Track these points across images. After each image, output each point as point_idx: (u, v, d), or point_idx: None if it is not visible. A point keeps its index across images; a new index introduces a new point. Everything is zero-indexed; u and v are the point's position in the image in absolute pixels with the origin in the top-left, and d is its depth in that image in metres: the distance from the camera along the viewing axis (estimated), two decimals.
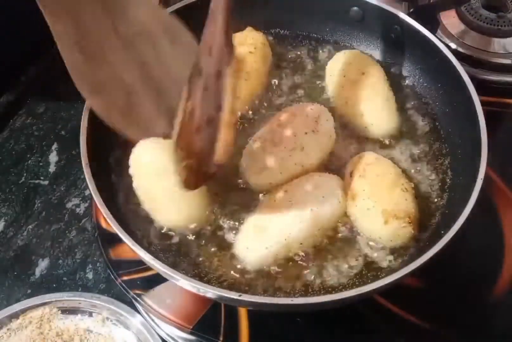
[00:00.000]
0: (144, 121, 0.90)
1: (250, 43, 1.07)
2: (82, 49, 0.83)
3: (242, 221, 0.92)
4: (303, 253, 0.89)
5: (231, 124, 0.81)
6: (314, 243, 0.90)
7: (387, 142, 1.01)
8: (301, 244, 0.88)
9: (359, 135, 1.02)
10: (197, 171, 0.84)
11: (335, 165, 0.98)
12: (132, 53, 0.87)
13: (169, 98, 0.90)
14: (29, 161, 1.23)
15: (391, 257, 0.90)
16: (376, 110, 1.01)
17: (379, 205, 0.89)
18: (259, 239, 0.88)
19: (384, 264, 0.90)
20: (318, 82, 1.10)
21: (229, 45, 0.82)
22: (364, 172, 0.92)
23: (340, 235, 0.92)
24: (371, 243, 0.91)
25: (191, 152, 0.84)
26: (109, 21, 0.83)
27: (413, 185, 0.95)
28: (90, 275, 1.09)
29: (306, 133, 0.94)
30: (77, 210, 1.17)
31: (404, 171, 0.96)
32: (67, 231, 1.14)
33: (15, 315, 1.01)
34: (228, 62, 0.82)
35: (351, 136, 1.02)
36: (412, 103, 1.06)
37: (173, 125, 0.86)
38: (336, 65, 1.06)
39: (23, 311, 1.01)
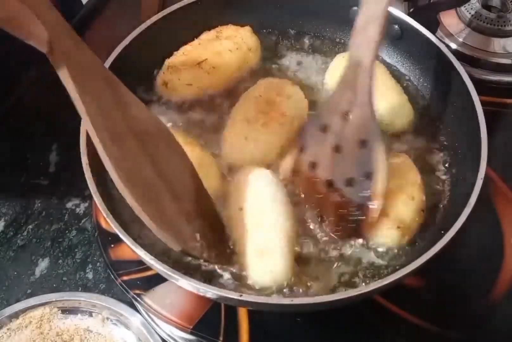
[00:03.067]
0: (172, 222, 0.84)
1: (236, 42, 1.06)
2: (110, 133, 0.77)
3: None
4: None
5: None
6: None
7: (387, 143, 1.01)
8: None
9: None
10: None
11: None
12: (142, 148, 0.81)
13: (184, 201, 0.86)
14: (29, 161, 1.23)
15: (391, 257, 0.90)
16: (394, 105, 1.01)
17: None
18: (267, 261, 0.85)
19: (385, 264, 0.90)
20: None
21: (374, 119, 0.85)
22: None
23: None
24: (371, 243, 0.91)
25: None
26: (120, 112, 0.79)
27: (423, 198, 0.93)
28: (90, 275, 1.09)
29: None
30: (77, 210, 1.17)
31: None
32: (67, 231, 1.14)
33: (15, 315, 1.01)
34: (378, 137, 0.86)
35: None
36: (412, 103, 1.06)
37: (194, 231, 0.85)
38: (337, 72, 1.03)
39: (23, 311, 1.01)
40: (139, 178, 0.80)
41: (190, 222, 0.85)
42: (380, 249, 0.91)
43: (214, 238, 0.88)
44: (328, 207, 0.90)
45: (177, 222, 0.84)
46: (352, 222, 0.88)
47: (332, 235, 0.91)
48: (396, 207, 0.89)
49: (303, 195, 0.94)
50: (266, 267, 0.85)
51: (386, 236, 0.89)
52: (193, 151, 0.92)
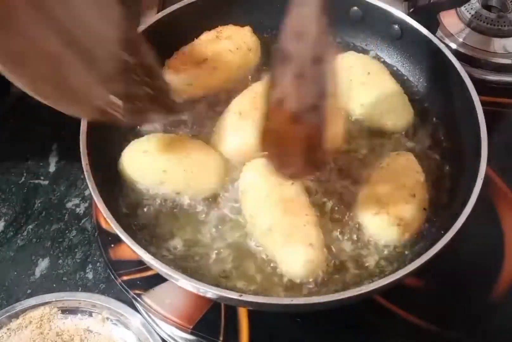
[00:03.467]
0: (79, 92, 0.81)
1: (236, 42, 1.06)
2: None
3: None
4: None
5: (339, 109, 0.80)
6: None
7: (387, 143, 1.02)
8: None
9: (376, 133, 1.02)
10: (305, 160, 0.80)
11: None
12: (46, 17, 0.75)
13: (101, 63, 0.82)
14: (29, 161, 1.23)
15: (391, 256, 0.90)
16: (395, 105, 1.02)
17: (381, 196, 0.89)
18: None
19: (385, 263, 0.90)
20: None
21: (324, 32, 0.76)
22: (388, 165, 0.93)
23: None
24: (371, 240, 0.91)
25: (284, 144, 0.80)
26: None
27: (426, 197, 0.93)
28: (90, 275, 1.09)
29: None
30: (77, 210, 1.17)
31: None
32: (67, 231, 1.14)
33: (15, 315, 1.01)
34: (328, 48, 0.77)
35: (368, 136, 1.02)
36: (412, 103, 1.06)
37: (109, 93, 0.82)
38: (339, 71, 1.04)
39: (23, 311, 1.01)
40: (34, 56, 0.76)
41: (106, 83, 0.82)
42: (379, 247, 0.91)
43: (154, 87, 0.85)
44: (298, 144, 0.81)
45: (87, 89, 0.81)
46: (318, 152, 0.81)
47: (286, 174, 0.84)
48: (397, 204, 0.89)
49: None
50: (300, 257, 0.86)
51: (386, 233, 0.89)
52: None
